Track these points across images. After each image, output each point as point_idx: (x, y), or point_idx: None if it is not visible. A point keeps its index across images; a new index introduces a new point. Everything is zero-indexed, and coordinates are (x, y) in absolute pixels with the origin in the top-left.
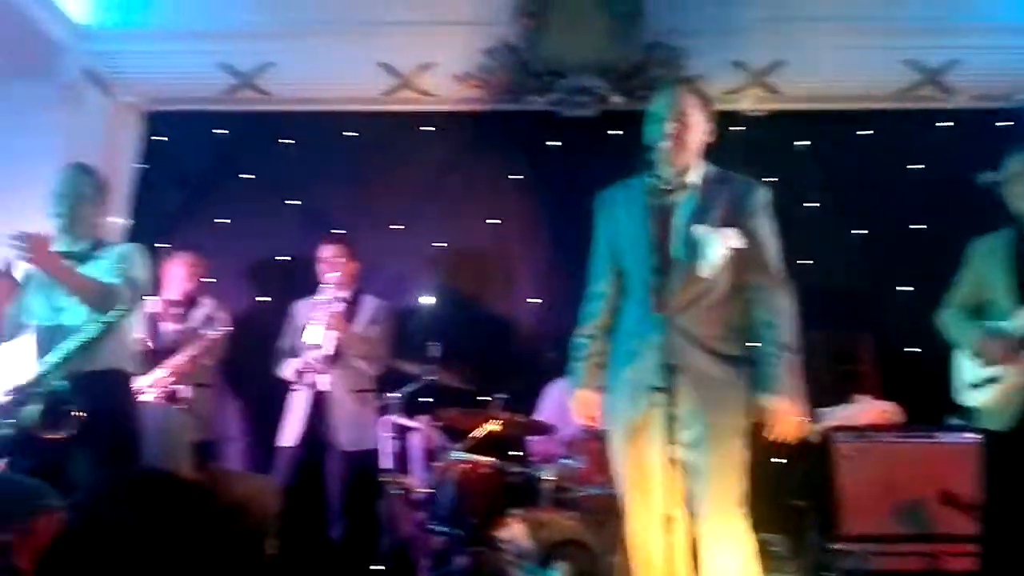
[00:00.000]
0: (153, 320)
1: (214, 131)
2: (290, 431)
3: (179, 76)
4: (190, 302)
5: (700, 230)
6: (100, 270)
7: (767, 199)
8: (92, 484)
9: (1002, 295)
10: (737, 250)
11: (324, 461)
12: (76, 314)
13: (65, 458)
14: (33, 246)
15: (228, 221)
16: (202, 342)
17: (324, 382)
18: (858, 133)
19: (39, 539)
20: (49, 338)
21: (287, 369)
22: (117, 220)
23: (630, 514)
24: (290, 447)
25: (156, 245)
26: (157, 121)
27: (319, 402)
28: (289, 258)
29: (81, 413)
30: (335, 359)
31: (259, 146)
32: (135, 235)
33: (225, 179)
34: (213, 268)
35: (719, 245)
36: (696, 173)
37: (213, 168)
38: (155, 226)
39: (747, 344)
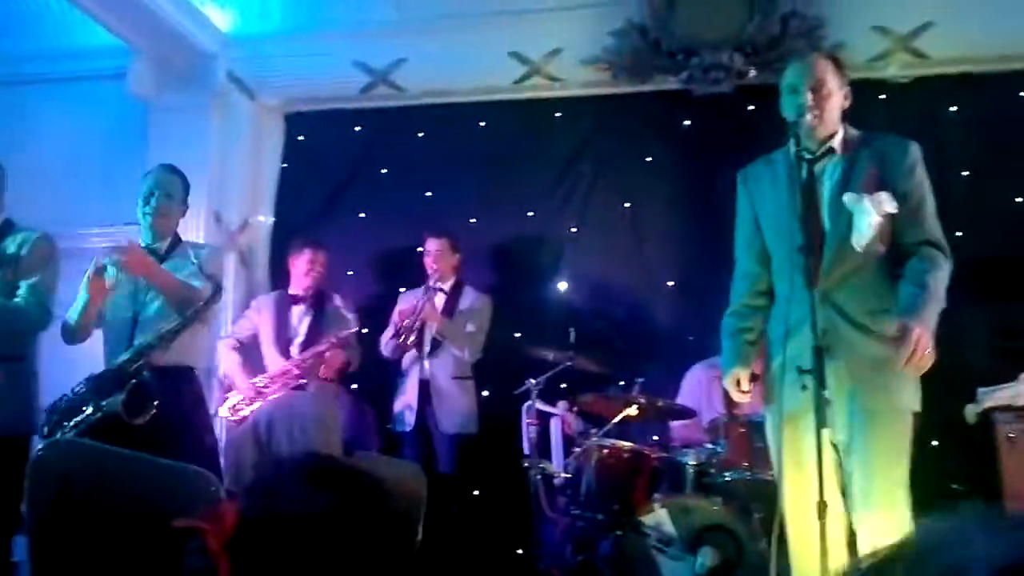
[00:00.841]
0: (280, 314)
1: (351, 128)
2: (404, 417)
3: (317, 77)
4: (317, 298)
5: (849, 198)
6: (178, 268)
7: (918, 154)
8: (261, 469)
9: None
10: (891, 215)
11: (433, 445)
12: (154, 309)
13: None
14: (128, 254)
15: (365, 215)
16: (329, 340)
17: (426, 369)
18: (1019, 95)
19: (226, 524)
20: (125, 330)
21: (387, 352)
22: (262, 218)
23: (786, 500)
24: (405, 432)
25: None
26: (297, 122)
27: (423, 388)
28: (420, 248)
29: (156, 403)
30: (433, 348)
31: (394, 141)
32: (279, 232)
33: (362, 174)
34: (353, 261)
35: (871, 212)
36: (839, 139)
37: (351, 164)
38: (298, 223)
39: None
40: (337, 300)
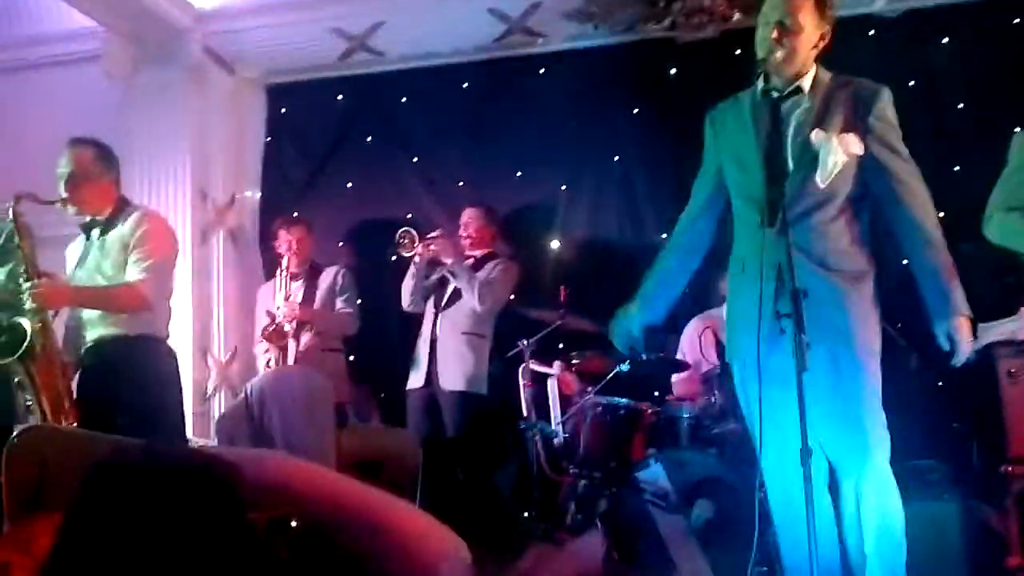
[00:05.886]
0: (274, 291)
1: (333, 97)
2: (413, 374)
3: (294, 46)
4: (312, 271)
5: (817, 136)
6: (117, 240)
7: (889, 101)
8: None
9: None
10: (859, 157)
11: (439, 403)
12: None
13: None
14: (45, 295)
15: (352, 185)
16: (328, 313)
17: (437, 323)
18: (1011, 23)
19: (36, 549)
20: None
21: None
22: (249, 194)
23: (764, 449)
24: (413, 390)
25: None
26: (278, 94)
27: (433, 343)
28: (410, 215)
29: None
30: (449, 302)
31: (378, 107)
32: (266, 207)
33: (347, 143)
34: (343, 231)
35: (838, 151)
36: (809, 78)
37: (335, 134)
38: (285, 197)
39: (871, 256)
40: (332, 271)
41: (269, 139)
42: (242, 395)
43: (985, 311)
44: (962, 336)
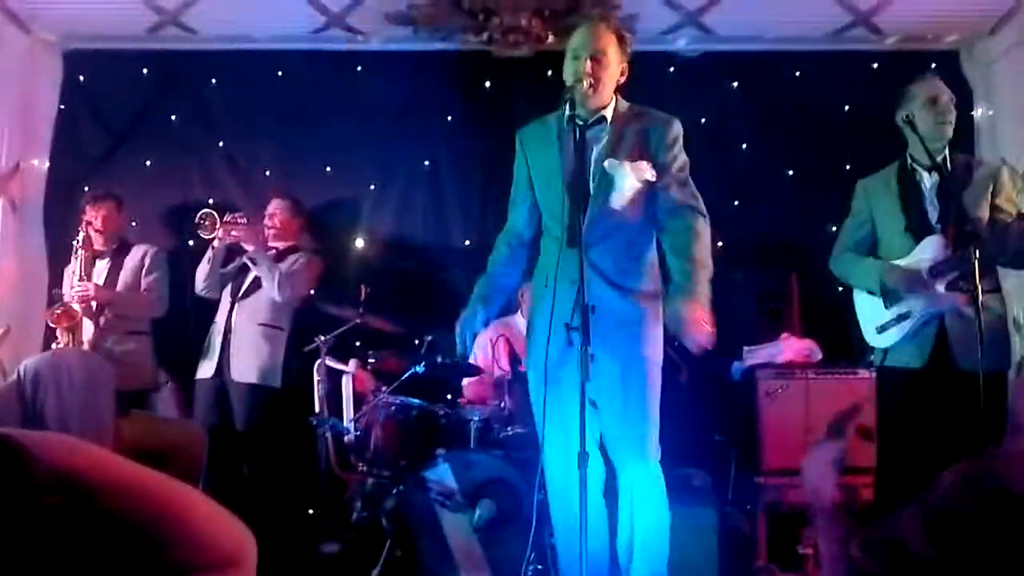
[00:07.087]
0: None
1: (138, 70)
2: (203, 363)
3: (98, 11)
4: (120, 249)
5: (610, 163)
6: None
7: (679, 130)
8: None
9: (893, 232)
10: (650, 183)
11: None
12: None
13: None
14: None
15: (151, 163)
16: (135, 291)
17: (233, 312)
18: (794, 75)
19: None
20: None
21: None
22: (36, 163)
23: (546, 451)
24: (204, 379)
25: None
26: (77, 60)
27: (227, 333)
28: (214, 200)
29: None
30: (247, 293)
31: (185, 86)
32: (56, 178)
33: (150, 120)
34: (139, 211)
35: (631, 177)
36: (611, 108)
37: (137, 109)
38: (77, 169)
39: (661, 279)
40: (143, 249)
41: (63, 107)
42: (14, 377)
43: (750, 336)
44: (695, 320)
